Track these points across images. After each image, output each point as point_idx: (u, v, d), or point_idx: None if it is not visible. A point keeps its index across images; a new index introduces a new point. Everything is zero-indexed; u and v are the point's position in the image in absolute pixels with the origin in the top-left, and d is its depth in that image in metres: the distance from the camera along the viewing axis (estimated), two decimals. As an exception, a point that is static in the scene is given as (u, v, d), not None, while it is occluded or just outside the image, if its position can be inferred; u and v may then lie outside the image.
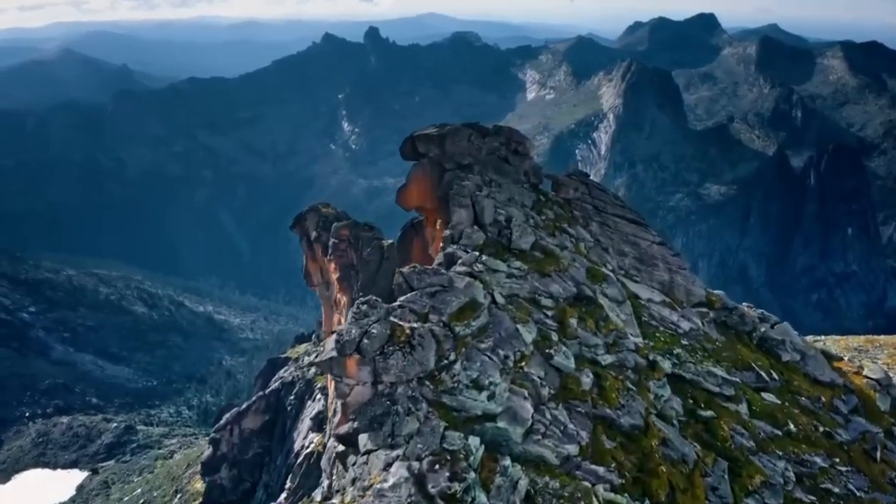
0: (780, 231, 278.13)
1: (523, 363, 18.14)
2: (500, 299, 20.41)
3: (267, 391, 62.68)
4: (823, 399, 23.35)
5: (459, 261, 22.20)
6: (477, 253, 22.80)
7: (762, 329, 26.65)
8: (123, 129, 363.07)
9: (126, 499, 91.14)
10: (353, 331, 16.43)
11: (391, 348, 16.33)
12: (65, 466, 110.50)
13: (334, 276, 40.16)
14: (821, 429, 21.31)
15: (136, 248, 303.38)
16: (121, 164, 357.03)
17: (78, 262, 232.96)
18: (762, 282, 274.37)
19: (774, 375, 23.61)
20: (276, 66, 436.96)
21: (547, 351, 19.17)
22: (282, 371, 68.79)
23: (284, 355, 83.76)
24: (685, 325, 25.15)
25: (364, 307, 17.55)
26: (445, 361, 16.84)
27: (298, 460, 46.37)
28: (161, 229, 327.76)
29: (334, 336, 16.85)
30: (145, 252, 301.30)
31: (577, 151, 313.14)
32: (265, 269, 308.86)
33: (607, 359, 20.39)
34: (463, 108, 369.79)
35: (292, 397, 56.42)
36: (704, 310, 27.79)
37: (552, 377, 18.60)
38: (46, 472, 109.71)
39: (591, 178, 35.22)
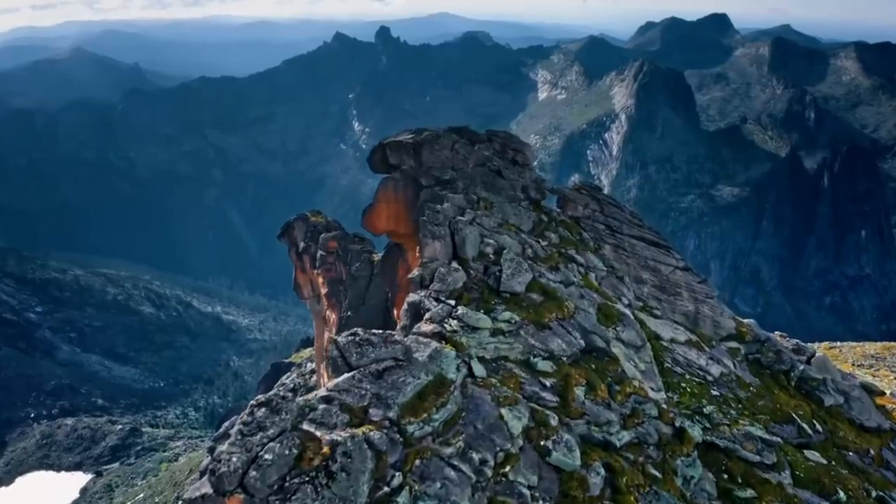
0: (793, 233, 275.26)
1: (507, 468, 13.10)
2: (479, 371, 15.21)
3: (269, 398, 60.97)
4: (872, 451, 21.08)
5: (426, 315, 16.93)
6: (451, 303, 17.53)
7: (800, 367, 24.12)
8: (134, 128, 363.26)
9: (129, 503, 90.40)
10: (236, 457, 10.61)
11: (296, 480, 10.42)
12: (69, 469, 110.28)
13: (323, 291, 37.84)
14: (873, 493, 18.89)
15: (145, 248, 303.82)
16: (131, 163, 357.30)
17: (86, 260, 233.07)
18: (775, 284, 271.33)
19: (818, 427, 21.21)
20: (287, 66, 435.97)
21: (542, 444, 14.14)
22: (284, 377, 67.12)
23: (288, 360, 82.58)
24: (715, 371, 22.01)
25: (260, 413, 11.51)
26: (386, 489, 11.00)
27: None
28: (170, 228, 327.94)
29: (210, 462, 11.46)
30: (154, 251, 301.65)
31: (588, 152, 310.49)
32: (274, 269, 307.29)
33: (624, 437, 15.89)
34: (474, 107, 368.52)
35: (294, 405, 54.51)
36: (735, 344, 25.02)
37: (549, 482, 13.66)
38: (50, 474, 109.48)
39: (603, 179, 31.89)
